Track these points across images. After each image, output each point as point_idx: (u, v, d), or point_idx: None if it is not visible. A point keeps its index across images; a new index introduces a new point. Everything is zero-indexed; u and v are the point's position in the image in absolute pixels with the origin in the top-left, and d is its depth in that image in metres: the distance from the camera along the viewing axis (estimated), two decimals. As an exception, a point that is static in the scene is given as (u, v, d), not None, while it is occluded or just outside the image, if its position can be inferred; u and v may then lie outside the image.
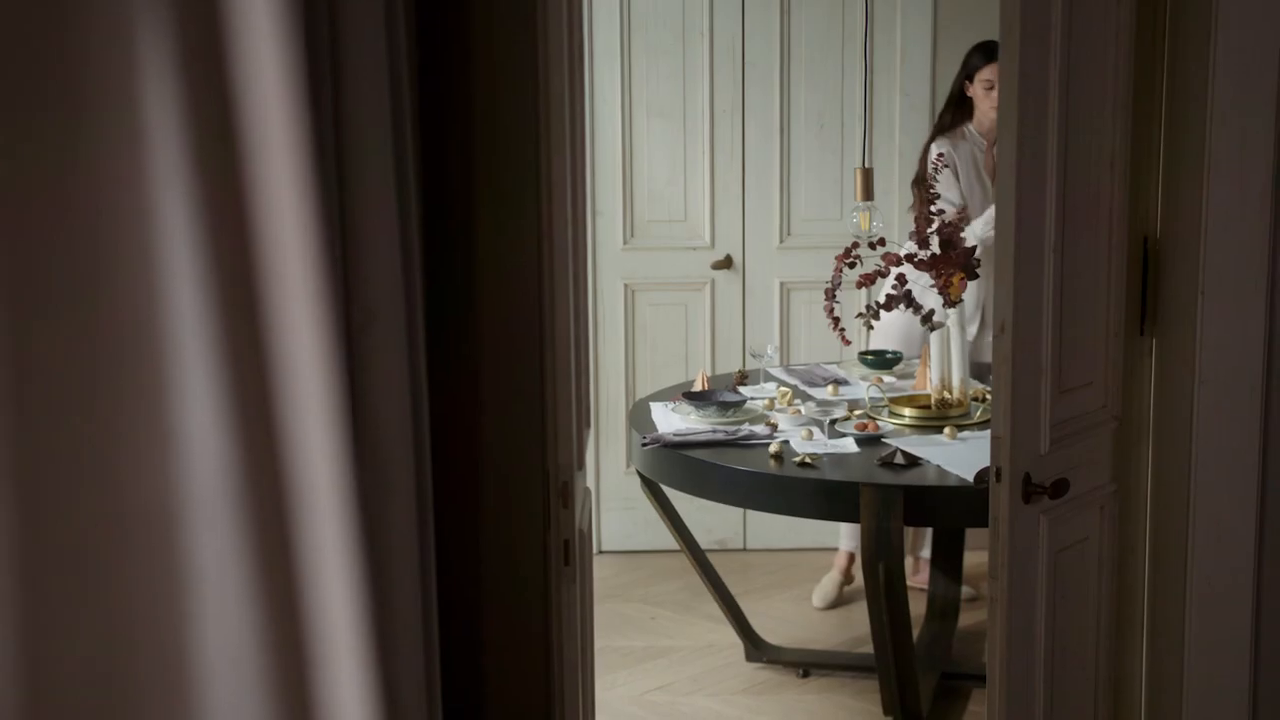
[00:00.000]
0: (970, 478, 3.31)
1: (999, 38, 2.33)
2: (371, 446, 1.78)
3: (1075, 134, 2.45)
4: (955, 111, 4.69)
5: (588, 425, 2.74)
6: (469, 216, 2.41)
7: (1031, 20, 2.30)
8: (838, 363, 4.74)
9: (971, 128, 4.69)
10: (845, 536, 4.93)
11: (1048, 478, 2.44)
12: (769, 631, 4.61)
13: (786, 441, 3.72)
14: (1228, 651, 2.60)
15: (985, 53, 4.57)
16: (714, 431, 3.84)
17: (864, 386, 4.20)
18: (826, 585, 4.97)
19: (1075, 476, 2.52)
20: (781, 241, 5.38)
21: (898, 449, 3.57)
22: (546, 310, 2.36)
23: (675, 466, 3.76)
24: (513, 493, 2.47)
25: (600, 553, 5.54)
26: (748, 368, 4.63)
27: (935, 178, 4.22)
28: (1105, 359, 2.62)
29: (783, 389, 4.21)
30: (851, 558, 4.93)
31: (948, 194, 4.56)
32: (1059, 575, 2.56)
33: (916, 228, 4.02)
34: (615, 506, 5.48)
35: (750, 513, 5.35)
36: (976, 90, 4.62)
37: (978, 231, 4.48)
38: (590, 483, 5.49)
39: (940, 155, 4.31)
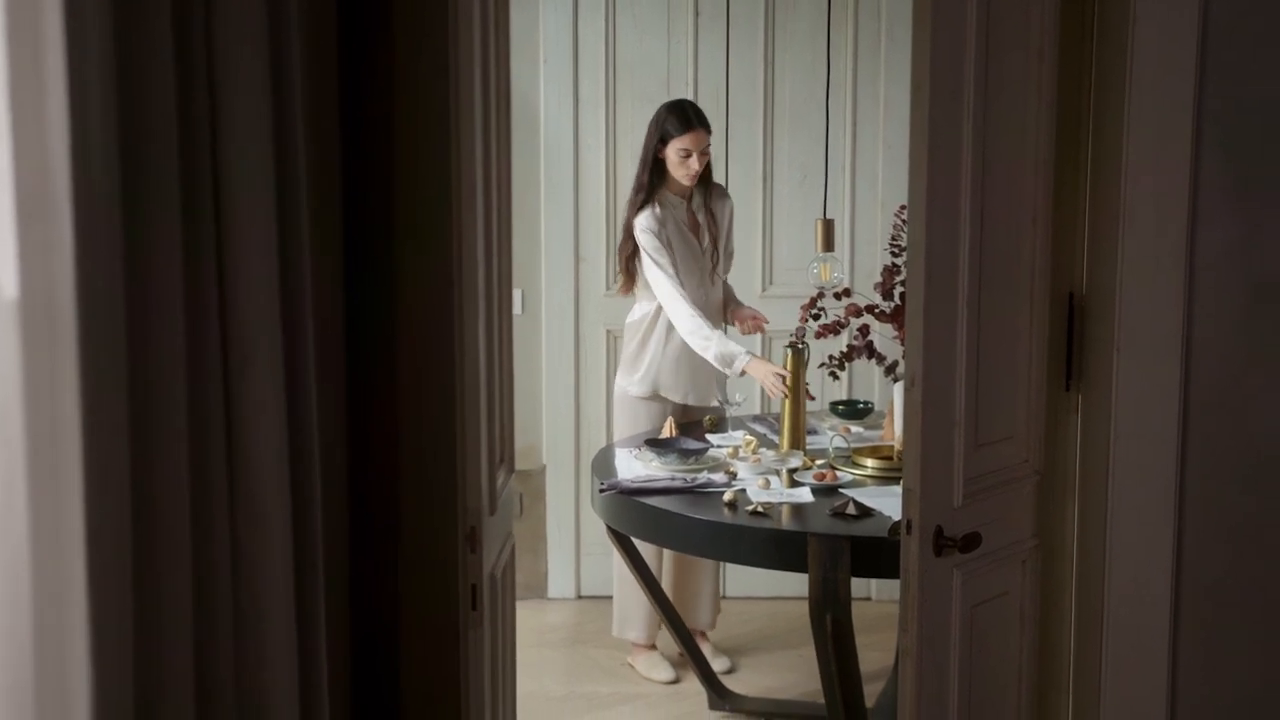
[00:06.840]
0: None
1: (910, 94, 2.34)
2: (247, 495, 1.80)
3: (993, 189, 2.46)
4: (653, 173, 4.51)
5: (511, 470, 2.75)
6: (390, 252, 2.43)
7: (942, 78, 2.31)
8: (812, 412, 4.73)
9: (669, 192, 4.54)
10: (633, 625, 4.82)
11: (961, 531, 2.43)
12: (735, 679, 4.59)
13: (743, 490, 3.72)
14: (1144, 714, 2.57)
15: (680, 119, 4.43)
16: (672, 479, 3.84)
17: (830, 436, 4.20)
18: (659, 663, 4.82)
19: (993, 531, 2.51)
20: (764, 290, 5.40)
21: (851, 499, 3.56)
22: (457, 356, 2.38)
23: (632, 512, 3.77)
24: (429, 537, 2.48)
25: (580, 597, 5.55)
26: (729, 413, 4.63)
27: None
28: (1027, 413, 2.62)
29: (748, 437, 4.22)
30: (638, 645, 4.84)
31: (668, 275, 4.45)
32: (976, 629, 2.54)
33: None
34: (595, 551, 5.48)
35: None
36: (670, 157, 4.47)
37: (687, 329, 4.45)
38: (570, 527, 5.53)
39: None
